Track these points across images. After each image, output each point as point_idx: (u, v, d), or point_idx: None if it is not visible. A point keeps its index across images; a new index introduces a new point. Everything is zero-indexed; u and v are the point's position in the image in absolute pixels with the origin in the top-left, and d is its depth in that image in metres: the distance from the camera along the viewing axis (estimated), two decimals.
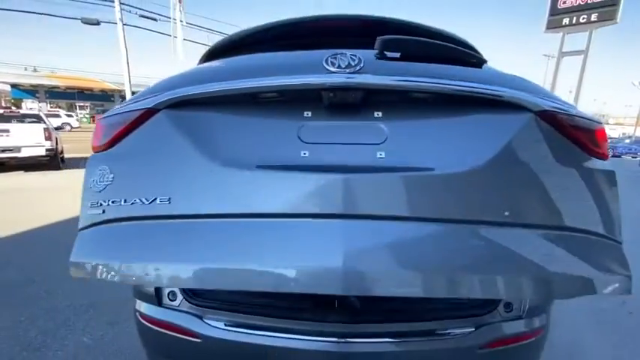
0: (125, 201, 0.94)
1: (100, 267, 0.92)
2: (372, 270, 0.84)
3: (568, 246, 0.90)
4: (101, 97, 39.21)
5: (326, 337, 1.07)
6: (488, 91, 0.94)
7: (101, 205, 0.96)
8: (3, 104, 32.08)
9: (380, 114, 0.97)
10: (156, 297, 1.17)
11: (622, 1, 20.54)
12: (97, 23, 13.51)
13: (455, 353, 1.09)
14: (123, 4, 13.06)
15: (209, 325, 1.11)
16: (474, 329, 1.09)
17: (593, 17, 21.49)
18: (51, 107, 33.45)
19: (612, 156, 23.34)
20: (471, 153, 0.91)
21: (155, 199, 0.92)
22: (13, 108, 28.36)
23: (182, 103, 0.98)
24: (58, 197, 5.83)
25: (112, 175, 0.97)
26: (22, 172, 8.40)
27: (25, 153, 7.97)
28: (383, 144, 0.94)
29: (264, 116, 1.00)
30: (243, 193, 0.90)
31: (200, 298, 1.18)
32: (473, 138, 0.94)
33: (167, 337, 1.15)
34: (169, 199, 0.92)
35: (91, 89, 37.56)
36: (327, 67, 0.95)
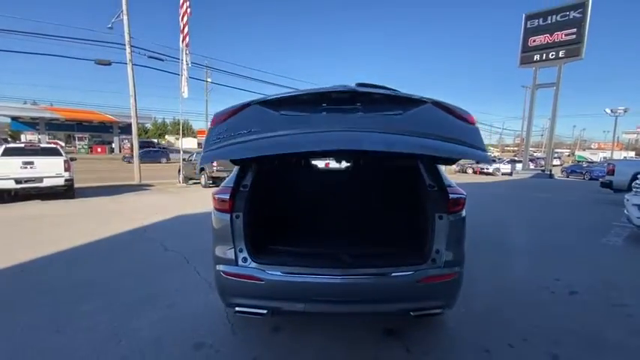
0: (232, 135, 1.94)
1: (217, 156, 1.95)
2: (357, 140, 1.78)
3: (455, 146, 1.87)
4: (100, 129, 40.28)
5: (333, 275, 2.01)
6: (406, 95, 2.09)
7: (219, 138, 1.96)
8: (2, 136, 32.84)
9: (359, 104, 2.00)
10: (234, 261, 2.06)
11: (586, 40, 23.04)
12: (109, 64, 14.70)
13: (403, 284, 2.04)
14: (133, 46, 14.33)
15: (268, 273, 2.02)
16: (413, 272, 2.03)
17: (561, 54, 23.85)
18: (49, 139, 34.22)
19: (590, 179, 24.46)
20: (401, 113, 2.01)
21: (249, 131, 1.94)
22: (9, 139, 29.11)
23: (263, 102, 2.06)
24: (94, 222, 6.54)
25: (225, 128, 1.99)
26: (39, 200, 9.05)
27: (46, 183, 8.75)
28: (360, 112, 1.98)
29: (307, 108, 2.04)
30: (294, 125, 1.93)
31: (262, 258, 2.08)
32: (402, 111, 2.02)
33: (241, 282, 2.04)
34: (256, 131, 1.92)
35: (90, 121, 38.55)
36: (333, 88, 2.05)
